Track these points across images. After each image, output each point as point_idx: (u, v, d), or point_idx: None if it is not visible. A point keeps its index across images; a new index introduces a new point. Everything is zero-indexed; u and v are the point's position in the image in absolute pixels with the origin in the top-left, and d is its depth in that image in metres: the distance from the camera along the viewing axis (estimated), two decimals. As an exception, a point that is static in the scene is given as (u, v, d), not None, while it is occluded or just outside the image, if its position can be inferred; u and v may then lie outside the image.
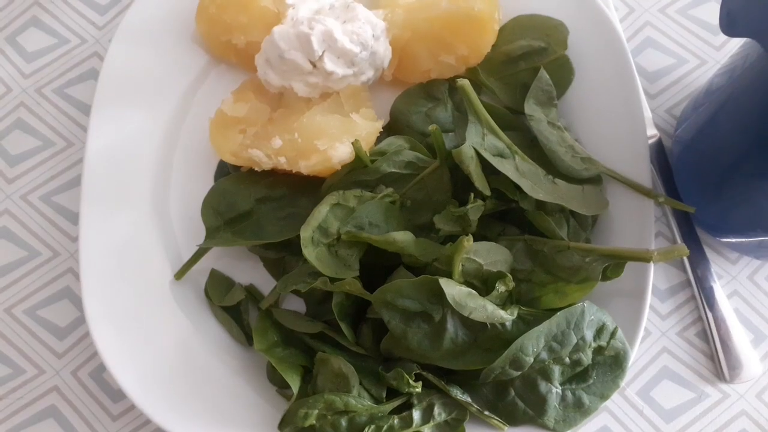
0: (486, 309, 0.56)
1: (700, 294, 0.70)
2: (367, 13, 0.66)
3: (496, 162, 0.62)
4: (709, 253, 0.72)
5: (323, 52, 0.64)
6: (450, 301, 0.55)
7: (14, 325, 0.72)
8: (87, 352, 0.71)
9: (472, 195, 0.61)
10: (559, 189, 0.64)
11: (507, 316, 0.57)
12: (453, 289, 0.55)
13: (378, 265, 0.62)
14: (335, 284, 0.58)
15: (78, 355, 0.71)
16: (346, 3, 0.66)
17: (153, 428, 0.69)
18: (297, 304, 0.68)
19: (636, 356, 0.68)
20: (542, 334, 0.57)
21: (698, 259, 0.71)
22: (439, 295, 0.56)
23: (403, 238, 0.59)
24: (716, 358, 0.69)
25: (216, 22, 0.69)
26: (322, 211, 0.60)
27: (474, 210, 0.61)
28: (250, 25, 0.68)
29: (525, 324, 0.58)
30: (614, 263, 0.60)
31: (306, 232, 0.59)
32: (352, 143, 0.61)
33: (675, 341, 0.71)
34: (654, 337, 0.70)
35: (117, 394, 0.70)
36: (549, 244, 0.62)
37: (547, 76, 0.69)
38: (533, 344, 0.57)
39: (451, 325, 0.58)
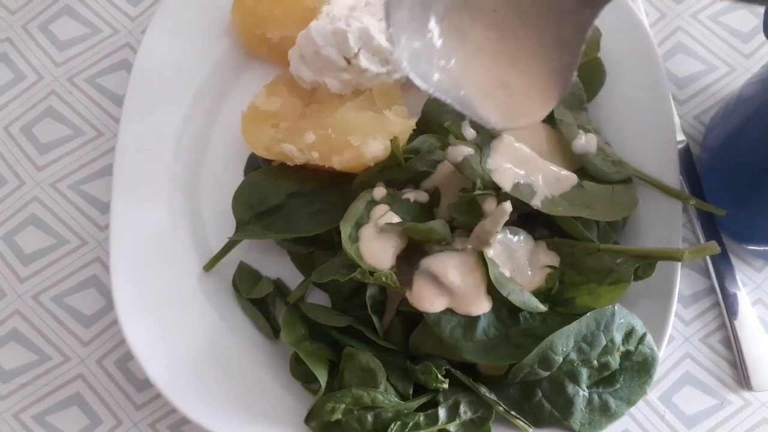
0: (523, 294, 0.57)
1: (724, 301, 0.70)
2: (403, 12, 0.66)
3: None
4: (734, 261, 0.72)
5: (359, 50, 0.64)
6: (492, 278, 0.56)
7: (41, 312, 0.72)
8: (113, 341, 0.71)
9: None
10: (585, 194, 0.63)
11: (541, 306, 0.58)
12: (495, 269, 0.57)
13: (408, 261, 0.62)
14: (374, 275, 0.59)
15: (103, 344, 0.71)
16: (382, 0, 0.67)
17: (176, 418, 0.69)
18: (322, 300, 0.68)
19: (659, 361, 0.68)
20: (572, 334, 0.57)
21: (723, 266, 0.71)
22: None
23: (441, 228, 0.59)
24: (739, 366, 0.69)
25: (251, 15, 0.69)
26: (359, 208, 0.60)
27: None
28: (285, 19, 0.68)
29: (555, 322, 0.59)
30: (645, 263, 0.60)
31: (346, 228, 0.59)
32: (390, 141, 0.61)
33: (698, 347, 0.71)
34: (677, 342, 0.71)
35: (141, 384, 0.70)
36: (578, 246, 0.62)
37: (578, 80, 0.68)
38: (563, 343, 0.57)
39: (483, 317, 0.58)
